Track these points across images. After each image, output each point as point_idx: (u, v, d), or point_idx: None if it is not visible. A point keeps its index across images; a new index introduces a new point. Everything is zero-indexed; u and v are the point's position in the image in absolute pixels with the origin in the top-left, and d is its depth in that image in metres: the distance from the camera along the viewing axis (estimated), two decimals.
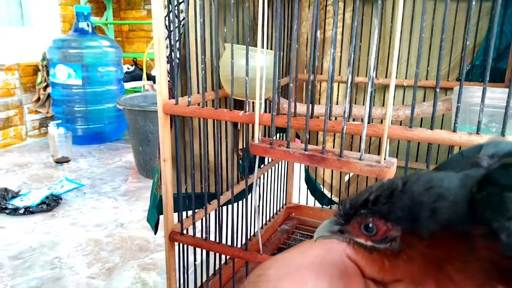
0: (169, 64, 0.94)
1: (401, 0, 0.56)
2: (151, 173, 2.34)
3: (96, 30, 3.19)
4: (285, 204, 1.49)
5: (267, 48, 1.00)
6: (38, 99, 3.06)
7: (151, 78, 3.36)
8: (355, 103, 1.33)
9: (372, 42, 1.28)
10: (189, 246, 0.91)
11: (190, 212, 0.92)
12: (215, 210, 0.94)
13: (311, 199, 1.50)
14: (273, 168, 1.33)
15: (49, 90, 3.02)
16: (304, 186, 1.51)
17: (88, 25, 3.01)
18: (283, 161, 1.41)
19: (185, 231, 0.89)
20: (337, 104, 1.35)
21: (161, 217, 1.04)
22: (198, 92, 0.86)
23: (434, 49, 1.21)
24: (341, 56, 1.34)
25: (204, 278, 1.01)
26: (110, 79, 3.06)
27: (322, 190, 1.49)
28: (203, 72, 0.76)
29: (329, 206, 1.48)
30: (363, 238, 0.27)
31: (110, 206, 2.00)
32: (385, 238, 0.27)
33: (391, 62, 1.28)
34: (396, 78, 1.28)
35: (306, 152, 0.66)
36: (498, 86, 1.08)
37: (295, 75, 0.66)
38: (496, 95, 0.77)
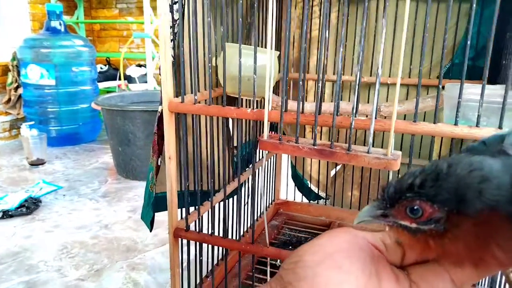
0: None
1: (407, 1, 0.60)
2: (132, 173, 2.32)
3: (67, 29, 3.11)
4: (274, 201, 1.51)
5: (260, 48, 1.02)
6: (9, 100, 2.96)
7: (125, 77, 3.32)
8: (341, 100, 1.37)
9: (377, 41, 1.33)
10: (190, 242, 0.93)
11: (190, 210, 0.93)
12: (211, 206, 0.96)
13: (298, 195, 1.53)
14: (260, 166, 1.35)
15: (20, 90, 2.93)
16: (291, 182, 1.55)
17: (60, 24, 2.94)
18: (271, 159, 1.44)
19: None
20: (323, 101, 1.39)
21: (157, 214, 1.05)
22: (192, 91, 0.87)
23: (416, 47, 1.27)
24: (327, 56, 1.37)
25: (204, 273, 1.02)
26: (84, 79, 3.00)
27: (309, 185, 1.53)
28: (210, 70, 0.78)
29: (316, 201, 1.52)
30: (408, 221, 0.29)
31: (91, 208, 1.97)
32: (430, 220, 0.29)
33: (375, 62, 1.33)
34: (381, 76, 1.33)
35: (315, 147, 0.69)
36: (477, 83, 1.14)
37: (304, 74, 0.69)
38: (486, 91, 0.83)
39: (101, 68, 3.43)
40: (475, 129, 0.64)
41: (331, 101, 1.28)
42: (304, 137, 1.44)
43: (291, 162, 1.54)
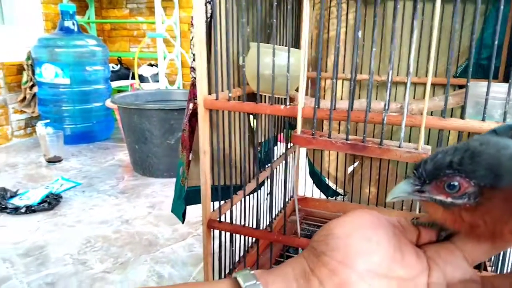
0: (194, 61, 0.99)
1: (438, 4, 0.64)
2: (148, 170, 2.37)
3: None
4: (292, 197, 1.56)
5: (281, 47, 1.07)
6: (24, 98, 3.02)
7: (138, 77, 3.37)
8: (359, 98, 1.41)
9: (406, 42, 1.37)
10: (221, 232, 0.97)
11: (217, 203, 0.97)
12: (244, 197, 1.00)
13: (316, 191, 1.57)
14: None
15: (35, 89, 2.99)
16: (309, 179, 1.59)
17: (73, 24, 2.99)
18: (289, 156, 1.48)
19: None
20: (341, 99, 1.43)
21: (188, 207, 1.09)
22: (222, 89, 0.92)
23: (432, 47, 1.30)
24: (345, 55, 1.42)
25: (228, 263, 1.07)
26: (98, 78, 3.04)
27: (327, 182, 1.57)
28: (244, 69, 0.82)
29: (334, 198, 1.56)
30: (444, 195, 0.33)
31: (111, 204, 2.02)
32: (464, 194, 0.32)
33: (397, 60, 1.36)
34: (398, 75, 1.37)
35: (348, 142, 0.73)
36: (492, 82, 1.18)
37: (336, 73, 0.73)
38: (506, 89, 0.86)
39: (113, 67, 3.48)
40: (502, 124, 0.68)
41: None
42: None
43: (309, 160, 1.58)
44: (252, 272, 0.34)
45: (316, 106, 0.76)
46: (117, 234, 1.71)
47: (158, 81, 3.34)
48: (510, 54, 1.19)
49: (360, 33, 0.72)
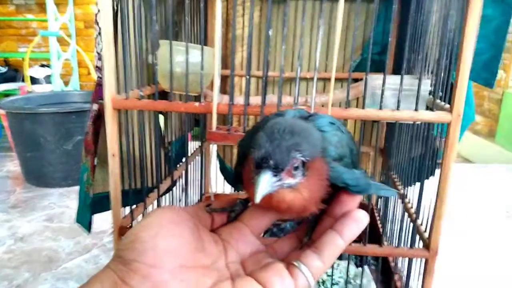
0: (100, 61, 0.93)
1: (341, 2, 0.68)
2: (43, 180, 2.17)
3: None
4: (203, 194, 1.54)
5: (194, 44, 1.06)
6: None
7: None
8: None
9: (296, 39, 1.41)
10: None
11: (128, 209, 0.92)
12: (158, 197, 0.96)
13: (228, 186, 1.58)
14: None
15: None
16: (220, 175, 1.58)
17: None
18: (200, 154, 1.47)
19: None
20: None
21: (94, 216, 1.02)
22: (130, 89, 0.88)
23: (331, 44, 1.38)
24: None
25: None
26: None
27: None
28: (157, 66, 0.79)
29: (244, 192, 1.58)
30: (291, 178, 0.34)
31: (1, 220, 1.81)
32: (298, 172, 0.34)
33: (294, 59, 1.42)
34: (292, 71, 1.43)
35: None
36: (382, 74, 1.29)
37: (249, 70, 0.74)
38: (397, 80, 0.95)
39: None
40: (396, 112, 0.75)
41: (255, 96, 1.34)
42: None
43: (219, 156, 1.58)
44: None
45: (231, 102, 0.76)
46: (10, 254, 1.54)
47: (51, 83, 3.08)
48: (399, 50, 1.30)
49: (271, 32, 0.73)
